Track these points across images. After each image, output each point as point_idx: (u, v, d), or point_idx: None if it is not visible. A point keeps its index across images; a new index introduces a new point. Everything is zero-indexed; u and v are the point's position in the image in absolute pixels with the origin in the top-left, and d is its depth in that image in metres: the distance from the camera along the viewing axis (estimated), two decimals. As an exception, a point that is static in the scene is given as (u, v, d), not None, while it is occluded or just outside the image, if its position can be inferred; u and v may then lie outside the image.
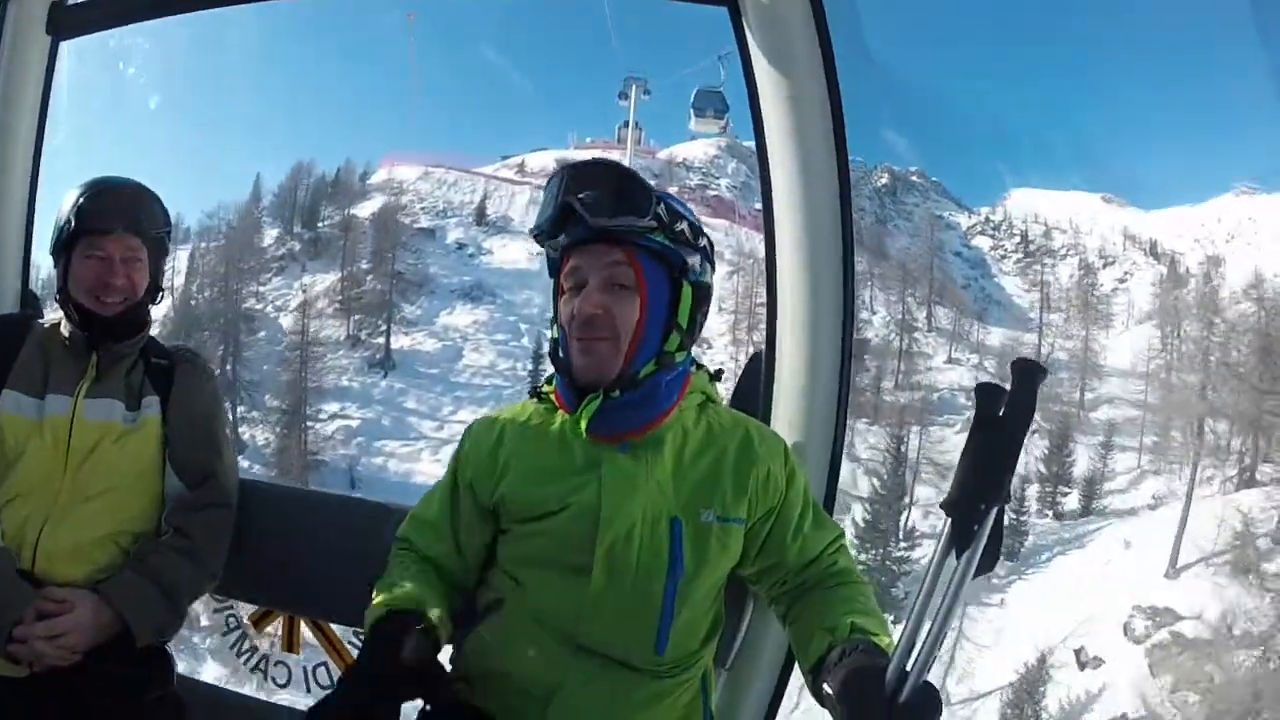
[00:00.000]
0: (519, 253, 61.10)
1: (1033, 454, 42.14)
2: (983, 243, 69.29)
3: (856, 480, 41.09)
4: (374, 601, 1.60)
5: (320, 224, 63.97)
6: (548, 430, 1.66)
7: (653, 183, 1.62)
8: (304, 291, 57.25)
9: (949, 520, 1.17)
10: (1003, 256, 67.37)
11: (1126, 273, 61.05)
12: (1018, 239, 67.67)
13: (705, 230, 1.66)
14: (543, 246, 1.67)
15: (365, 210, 64.11)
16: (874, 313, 54.95)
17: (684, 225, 1.58)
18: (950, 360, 54.50)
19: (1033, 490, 41.30)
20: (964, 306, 59.28)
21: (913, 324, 56.28)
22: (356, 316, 55.87)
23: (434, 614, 1.55)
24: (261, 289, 58.73)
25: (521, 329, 56.16)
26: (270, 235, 63.40)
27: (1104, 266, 62.19)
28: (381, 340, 54.93)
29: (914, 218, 68.38)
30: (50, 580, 1.88)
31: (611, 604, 1.55)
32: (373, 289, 57.51)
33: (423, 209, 67.34)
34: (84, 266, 2.03)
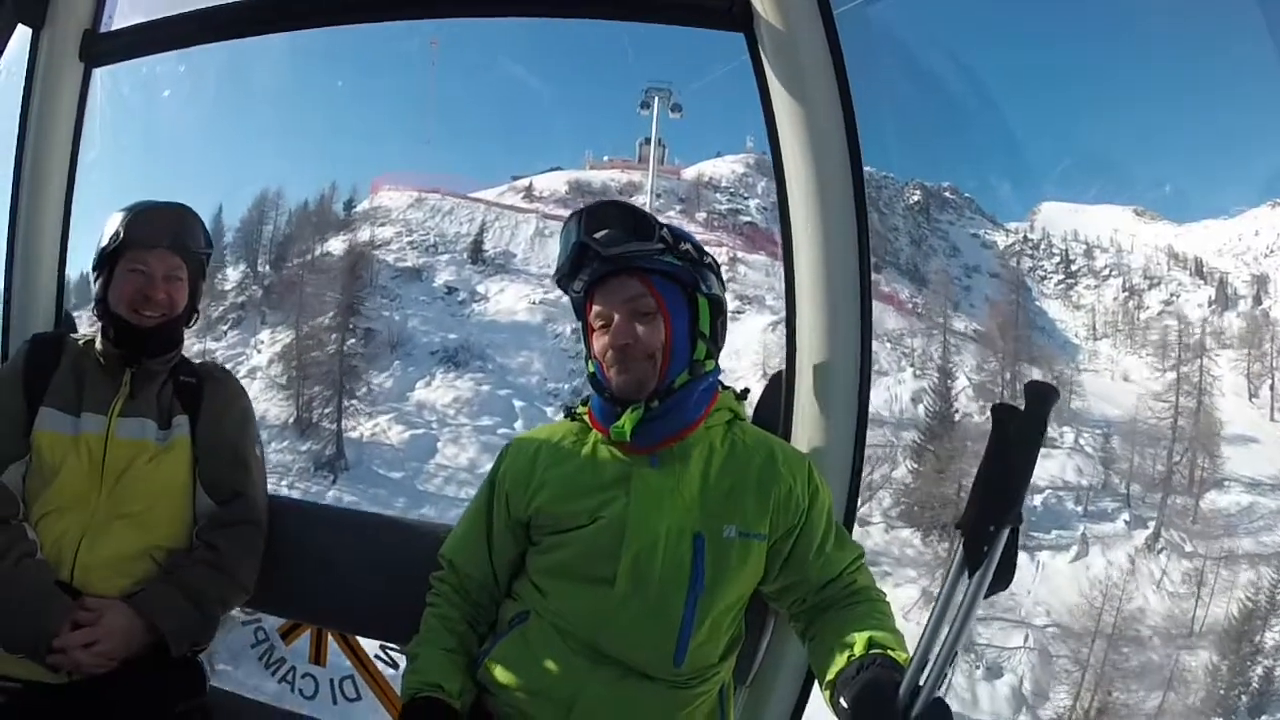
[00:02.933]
0: (518, 299, 51.59)
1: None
2: (1022, 262, 64.37)
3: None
4: (407, 673, 1.77)
5: (289, 263, 52.09)
6: (581, 448, 1.79)
7: (679, 206, 1.75)
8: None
9: (961, 540, 1.22)
10: (1043, 278, 63.08)
11: (1173, 294, 56.80)
12: (1058, 259, 63.82)
13: (708, 251, 1.79)
14: (565, 291, 1.81)
15: (344, 245, 53.11)
16: (951, 378, 43.29)
17: (688, 245, 1.73)
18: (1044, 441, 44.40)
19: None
20: (1047, 359, 48.36)
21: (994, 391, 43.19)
22: (311, 390, 42.40)
23: (454, 692, 1.70)
24: (214, 345, 46.59)
25: (515, 408, 43.91)
26: (234, 277, 52.88)
27: (1149, 288, 58.11)
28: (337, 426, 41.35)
29: (950, 237, 64.89)
30: (88, 593, 1.97)
31: (632, 614, 1.65)
32: (335, 352, 44.35)
33: (410, 243, 56.76)
34: (126, 280, 2.12)
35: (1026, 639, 30.16)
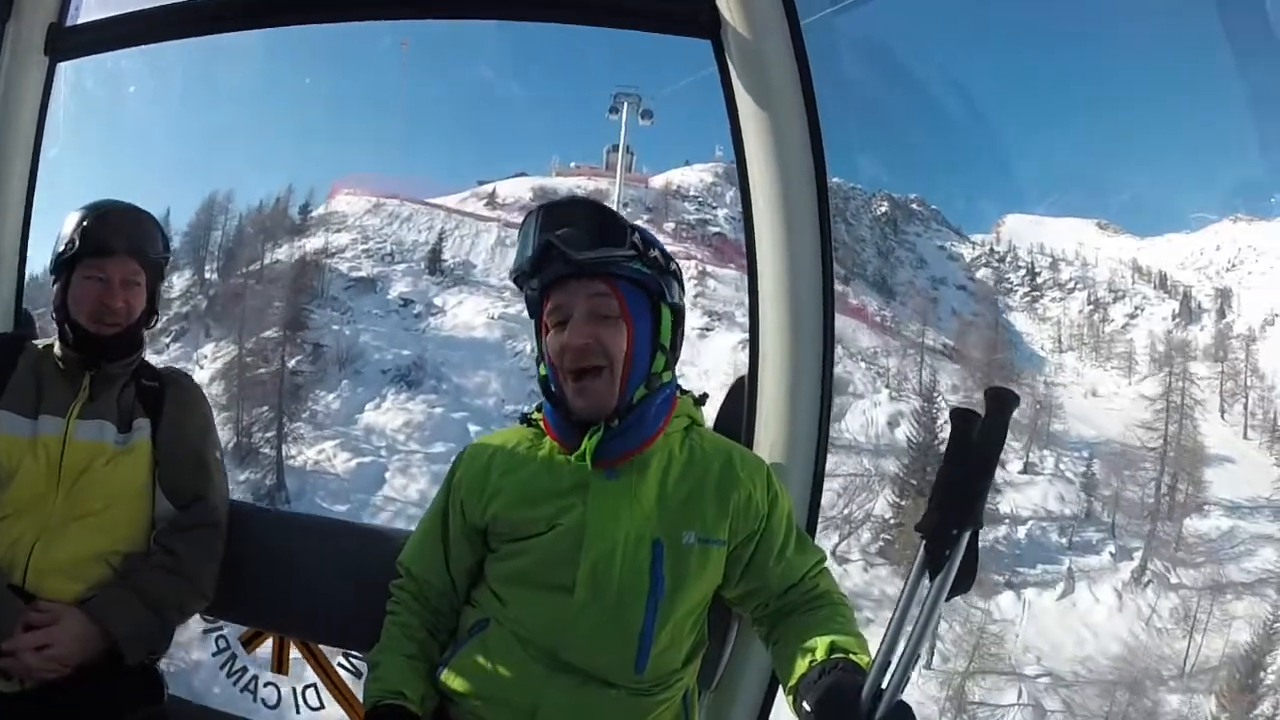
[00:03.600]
0: (476, 313, 48.30)
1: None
2: (987, 275, 64.03)
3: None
4: (368, 680, 1.76)
5: (239, 271, 48.38)
6: (536, 455, 1.77)
7: (647, 216, 1.75)
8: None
9: (923, 543, 1.24)
10: (1009, 290, 62.58)
11: (1137, 308, 56.60)
12: (1024, 271, 63.31)
13: (674, 257, 1.78)
14: (521, 288, 1.78)
15: (296, 252, 49.95)
16: (933, 403, 39.77)
17: (656, 252, 1.71)
18: (1026, 468, 39.61)
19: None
20: (1028, 381, 45.15)
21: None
22: (253, 412, 38.84)
23: (416, 699, 1.70)
24: (154, 359, 24.50)
25: (471, 433, 35.82)
26: (179, 285, 47.97)
27: (1114, 301, 57.79)
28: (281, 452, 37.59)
29: (917, 249, 64.46)
30: (42, 598, 1.95)
31: (592, 622, 1.65)
32: (278, 370, 40.91)
33: (365, 251, 52.97)
34: (84, 288, 2.11)
35: (1020, 694, 28.13)
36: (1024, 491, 38.20)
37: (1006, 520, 35.79)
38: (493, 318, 47.49)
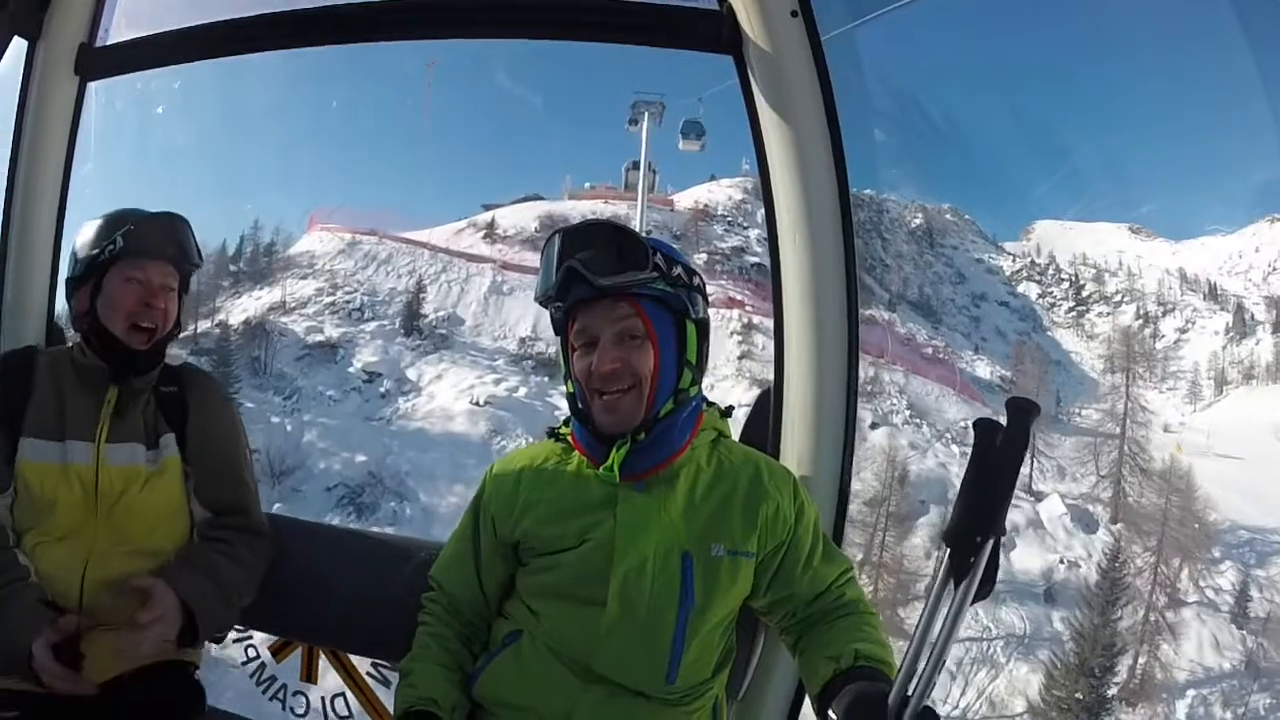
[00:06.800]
0: (458, 394, 39.89)
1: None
2: (1029, 289, 63.36)
3: None
4: (401, 688, 1.83)
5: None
6: (565, 470, 1.86)
7: (674, 245, 1.82)
8: None
9: (948, 551, 1.30)
10: (1052, 305, 62.07)
11: (1189, 321, 55.50)
12: (1067, 284, 62.56)
13: (697, 270, 1.84)
14: (546, 309, 1.86)
15: (251, 307, 45.56)
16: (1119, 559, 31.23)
17: (679, 269, 1.78)
18: (1171, 599, 31.87)
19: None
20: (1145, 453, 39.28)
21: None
22: None
23: (448, 707, 1.78)
24: None
25: None
26: None
27: (1164, 314, 56.70)
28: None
29: (955, 263, 63.36)
30: (99, 617, 2.01)
31: (624, 634, 1.73)
32: None
33: (330, 305, 46.84)
34: (125, 290, 2.14)
35: None
36: (1179, 641, 30.97)
37: (1163, 698, 28.66)
38: (477, 402, 39.46)
